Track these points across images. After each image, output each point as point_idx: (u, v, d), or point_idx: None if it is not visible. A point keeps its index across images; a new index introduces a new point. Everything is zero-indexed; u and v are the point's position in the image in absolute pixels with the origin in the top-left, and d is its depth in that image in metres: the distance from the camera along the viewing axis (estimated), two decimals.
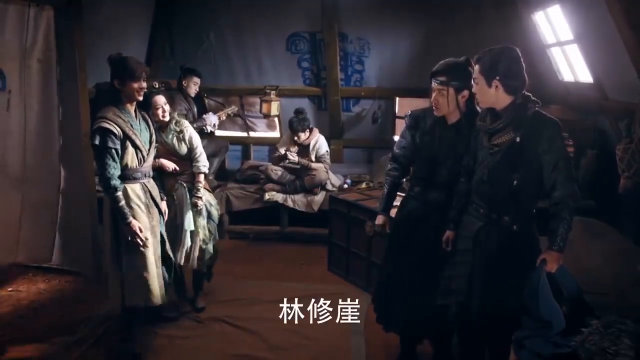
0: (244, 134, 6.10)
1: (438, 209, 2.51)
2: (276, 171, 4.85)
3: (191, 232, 3.23)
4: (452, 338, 2.72)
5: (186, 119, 4.54)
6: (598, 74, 3.94)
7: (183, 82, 4.68)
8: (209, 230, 3.36)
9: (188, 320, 3.33)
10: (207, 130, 4.78)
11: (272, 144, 5.79)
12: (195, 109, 4.81)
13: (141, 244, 2.70)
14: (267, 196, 4.80)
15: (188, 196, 3.23)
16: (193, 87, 4.69)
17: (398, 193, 2.84)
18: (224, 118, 5.03)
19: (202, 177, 3.28)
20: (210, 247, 3.37)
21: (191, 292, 3.52)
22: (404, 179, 2.82)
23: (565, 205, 2.12)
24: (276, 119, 5.76)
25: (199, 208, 3.24)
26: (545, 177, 2.15)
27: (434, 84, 2.42)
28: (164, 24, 5.47)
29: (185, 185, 3.25)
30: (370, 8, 5.21)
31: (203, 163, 3.29)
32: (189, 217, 3.21)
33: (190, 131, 3.28)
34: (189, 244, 3.23)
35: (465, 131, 2.43)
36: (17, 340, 3.09)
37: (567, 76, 4.58)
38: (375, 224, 2.83)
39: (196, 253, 3.28)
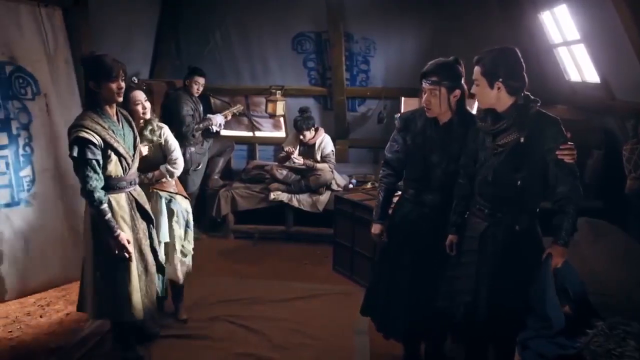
0: (250, 134, 6.11)
1: (434, 211, 2.50)
2: (281, 171, 4.87)
3: (166, 243, 3.05)
4: (445, 339, 2.71)
5: (192, 119, 4.59)
6: (605, 73, 3.91)
7: (186, 82, 4.70)
8: (188, 240, 3.16)
9: (192, 320, 3.33)
10: (212, 130, 4.80)
11: (277, 143, 5.80)
12: (201, 109, 4.83)
13: (127, 257, 2.55)
14: (272, 196, 4.81)
15: (164, 205, 3.04)
16: (195, 86, 4.69)
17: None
18: (229, 117, 5.04)
19: (163, 170, 3.03)
20: (189, 258, 3.19)
21: (171, 306, 3.34)
22: (399, 184, 2.74)
23: (569, 200, 2.14)
24: (282, 119, 5.78)
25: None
26: (550, 174, 2.16)
27: (425, 85, 2.38)
28: (170, 24, 5.49)
29: (160, 194, 3.05)
30: (376, 8, 5.20)
31: (174, 166, 3.05)
32: (164, 228, 3.01)
33: (166, 135, 3.04)
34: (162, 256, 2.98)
35: (457, 131, 2.42)
36: (23, 337, 3.12)
37: (573, 76, 4.56)
38: (371, 233, 2.76)
39: (178, 266, 3.11)
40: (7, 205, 3.28)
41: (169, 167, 3.04)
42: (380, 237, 2.72)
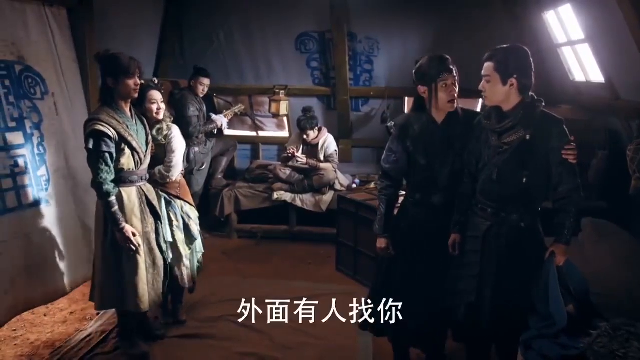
0: (253, 133, 6.12)
1: (441, 210, 2.48)
2: (285, 171, 4.87)
3: (174, 247, 3.03)
4: (446, 339, 2.69)
5: (197, 119, 4.60)
6: (609, 73, 3.89)
7: (192, 83, 4.71)
8: (187, 246, 3.12)
9: (195, 320, 3.34)
10: (215, 132, 4.81)
11: (281, 143, 5.81)
12: (205, 109, 4.85)
13: (134, 249, 2.62)
14: (275, 195, 4.82)
15: (165, 207, 3.02)
16: (200, 87, 4.71)
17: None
18: (231, 117, 5.06)
19: (156, 171, 3.00)
20: (188, 263, 3.13)
21: (169, 305, 3.33)
22: (399, 194, 2.69)
23: (571, 199, 2.17)
24: (285, 119, 5.79)
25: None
26: (553, 173, 2.18)
27: (451, 78, 2.33)
28: (174, 24, 5.50)
29: (161, 194, 3.03)
30: (380, 8, 5.19)
31: (167, 169, 3.02)
32: (166, 228, 2.99)
33: (171, 137, 3.05)
34: (171, 256, 3.01)
35: (457, 126, 2.41)
36: (27, 335, 3.13)
37: (578, 76, 4.53)
38: (377, 247, 2.67)
39: (183, 269, 3.10)
40: (31, 205, 3.27)
41: (161, 168, 3.04)
42: (387, 251, 2.62)
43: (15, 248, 3.15)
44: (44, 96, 3.47)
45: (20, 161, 3.22)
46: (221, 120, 4.84)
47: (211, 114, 4.92)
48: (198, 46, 5.62)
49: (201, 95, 4.77)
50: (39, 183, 3.34)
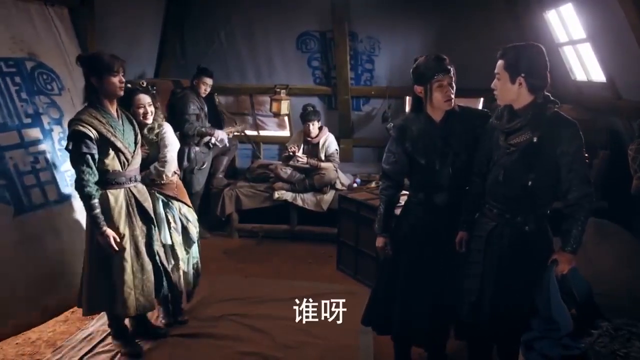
0: (255, 133, 6.13)
1: (446, 209, 2.47)
2: (285, 170, 4.87)
3: (172, 249, 2.99)
4: (447, 340, 2.69)
5: (197, 118, 4.60)
6: (611, 73, 3.89)
7: (195, 82, 4.72)
8: (185, 250, 3.07)
9: (196, 319, 3.34)
10: (212, 143, 4.78)
11: (282, 142, 5.81)
12: (206, 109, 4.85)
13: (115, 252, 2.57)
14: (276, 195, 4.82)
15: (162, 208, 2.99)
16: (203, 87, 4.73)
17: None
18: (231, 136, 5.11)
19: (152, 168, 2.98)
20: (184, 266, 3.08)
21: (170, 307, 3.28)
22: (400, 194, 2.68)
23: (581, 207, 2.11)
24: (286, 118, 5.79)
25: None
26: (562, 178, 2.13)
27: (447, 78, 2.33)
28: (175, 24, 5.50)
29: (158, 195, 3.00)
30: (381, 7, 5.19)
31: (162, 165, 2.98)
32: (164, 230, 2.95)
33: (163, 133, 3.00)
34: (172, 260, 2.97)
35: (453, 125, 2.40)
36: (29, 334, 3.13)
37: (579, 75, 4.53)
38: (376, 246, 2.68)
39: (181, 273, 3.05)
40: (57, 202, 3.23)
41: (156, 165, 3.01)
42: (384, 250, 2.64)
43: (45, 244, 3.10)
44: (61, 92, 3.47)
45: (41, 157, 3.20)
46: (220, 134, 4.80)
47: (215, 129, 4.87)
48: (199, 46, 5.62)
49: (203, 95, 4.78)
50: (63, 179, 3.31)
